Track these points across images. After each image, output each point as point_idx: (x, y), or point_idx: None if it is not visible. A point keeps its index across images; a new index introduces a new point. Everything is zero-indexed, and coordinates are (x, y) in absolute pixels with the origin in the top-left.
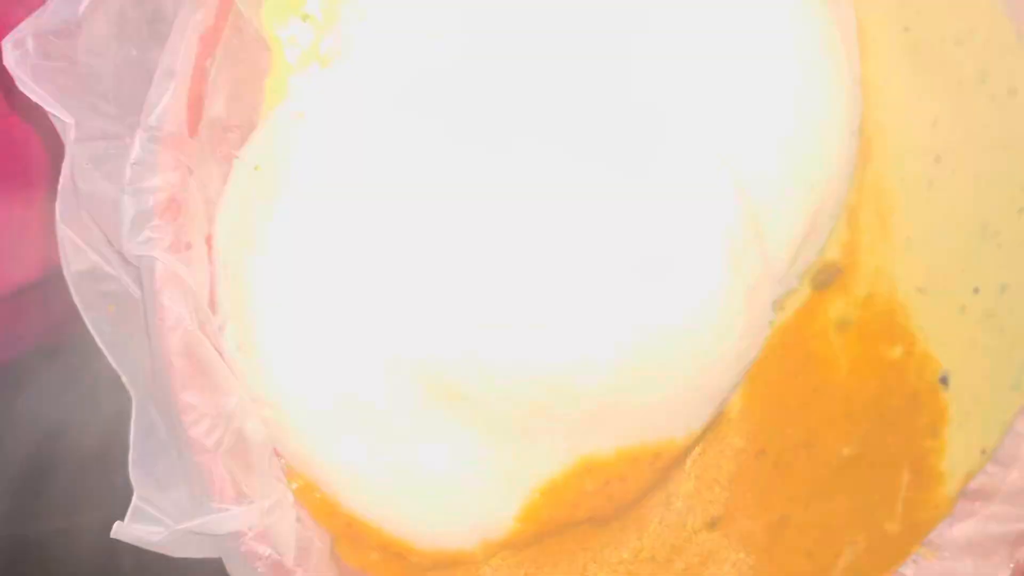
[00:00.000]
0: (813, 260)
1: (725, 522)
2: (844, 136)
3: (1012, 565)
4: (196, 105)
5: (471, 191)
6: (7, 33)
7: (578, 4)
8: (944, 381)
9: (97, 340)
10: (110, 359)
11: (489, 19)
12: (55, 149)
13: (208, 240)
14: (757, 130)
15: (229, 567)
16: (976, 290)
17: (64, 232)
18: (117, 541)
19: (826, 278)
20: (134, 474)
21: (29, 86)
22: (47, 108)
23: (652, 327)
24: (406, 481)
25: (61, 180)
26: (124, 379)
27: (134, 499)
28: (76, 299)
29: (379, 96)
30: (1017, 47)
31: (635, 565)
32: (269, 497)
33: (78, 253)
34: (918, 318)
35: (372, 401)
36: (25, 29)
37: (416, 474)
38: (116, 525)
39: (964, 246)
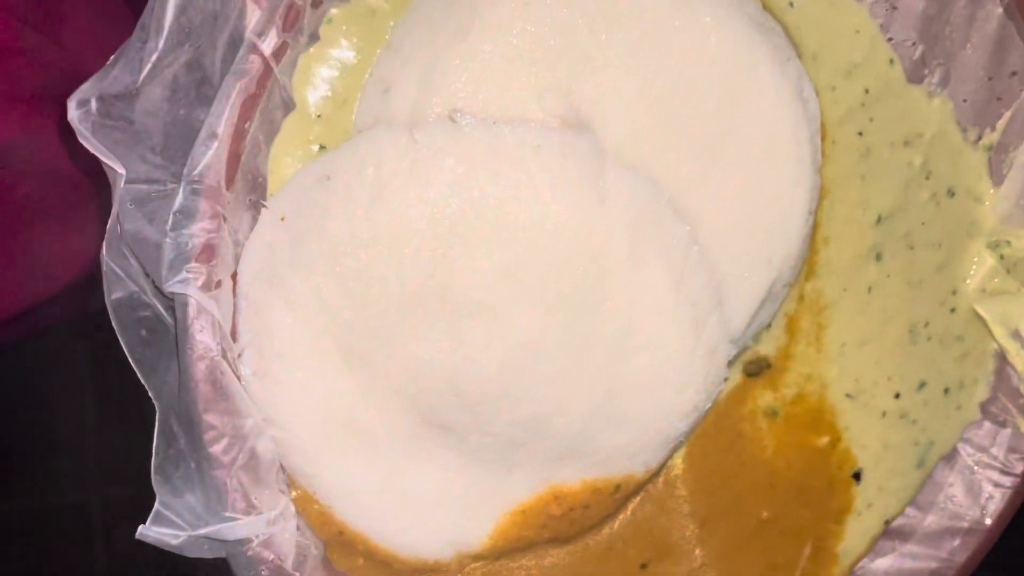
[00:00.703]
0: (752, 343)
1: (654, 564)
2: (803, 217)
3: None
4: (233, 162)
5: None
6: None
7: None
8: (857, 477)
9: (129, 358)
10: (139, 375)
11: None
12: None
13: (233, 276)
14: (728, 211)
15: (235, 569)
16: (897, 395)
17: (108, 264)
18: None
19: (756, 369)
20: (156, 480)
21: (90, 140)
22: (102, 158)
23: (621, 382)
24: (394, 498)
25: (110, 221)
26: (151, 393)
27: (156, 504)
28: (114, 322)
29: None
30: (963, 149)
31: None
32: (274, 508)
33: (118, 282)
34: (844, 419)
35: (370, 428)
36: (89, 91)
37: (403, 492)
38: (140, 528)
39: (893, 350)
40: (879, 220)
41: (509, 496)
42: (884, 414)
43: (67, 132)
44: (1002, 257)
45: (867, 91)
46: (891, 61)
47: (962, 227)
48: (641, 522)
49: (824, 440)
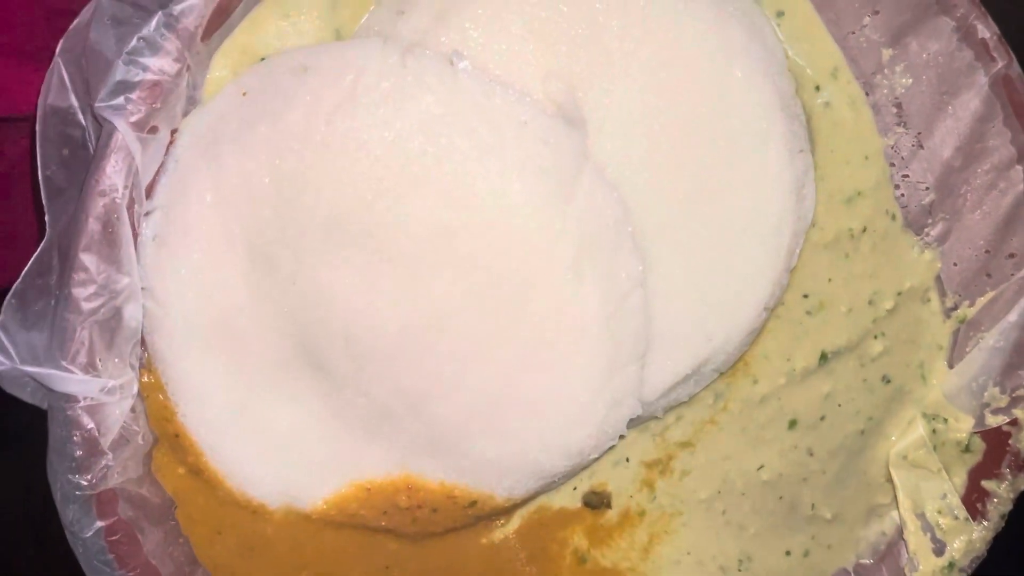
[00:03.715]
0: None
1: None
2: (757, 309)
3: None
4: (220, 15)
5: None
6: None
7: None
8: None
9: (40, 172)
10: (42, 194)
11: None
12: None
13: (173, 133)
14: (688, 270)
15: (50, 424)
16: (722, 568)
17: (59, 66)
18: None
19: (596, 502)
20: (9, 302)
21: None
22: None
23: (515, 392)
24: (242, 422)
25: (78, 19)
26: (46, 217)
27: None
28: (38, 129)
29: None
30: (933, 313)
31: None
32: (116, 379)
33: (61, 90)
34: None
35: (245, 338)
36: None
37: (254, 420)
38: None
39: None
40: (822, 358)
41: (361, 467)
42: None
43: None
44: (934, 432)
45: (864, 228)
46: (892, 214)
47: (901, 393)
48: None
49: None
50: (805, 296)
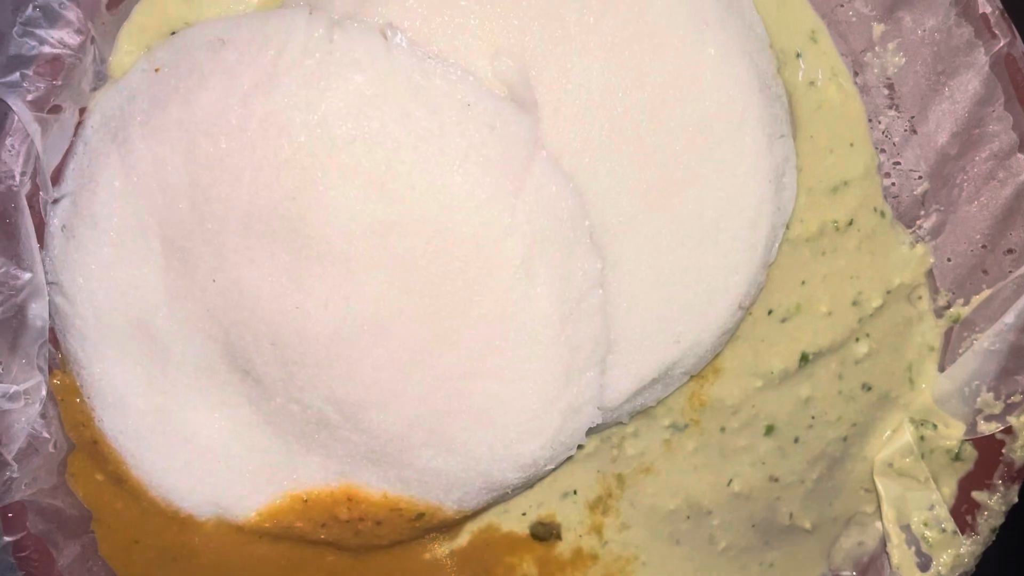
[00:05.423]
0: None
1: None
2: (731, 308)
3: None
4: None
5: None
6: None
7: None
8: None
9: None
10: None
11: None
12: None
13: (83, 112)
14: (654, 268)
15: None
16: None
17: None
18: None
19: (544, 533)
20: None
21: None
22: None
23: (460, 402)
24: (167, 429)
25: None
26: None
27: None
28: None
29: None
30: (926, 311)
31: None
32: (20, 384)
33: None
34: None
35: (165, 340)
36: None
37: (179, 427)
38: None
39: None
40: (803, 359)
41: (297, 477)
42: None
43: None
44: (922, 439)
45: (850, 221)
46: (881, 211)
47: (886, 398)
48: None
49: None
50: (783, 293)
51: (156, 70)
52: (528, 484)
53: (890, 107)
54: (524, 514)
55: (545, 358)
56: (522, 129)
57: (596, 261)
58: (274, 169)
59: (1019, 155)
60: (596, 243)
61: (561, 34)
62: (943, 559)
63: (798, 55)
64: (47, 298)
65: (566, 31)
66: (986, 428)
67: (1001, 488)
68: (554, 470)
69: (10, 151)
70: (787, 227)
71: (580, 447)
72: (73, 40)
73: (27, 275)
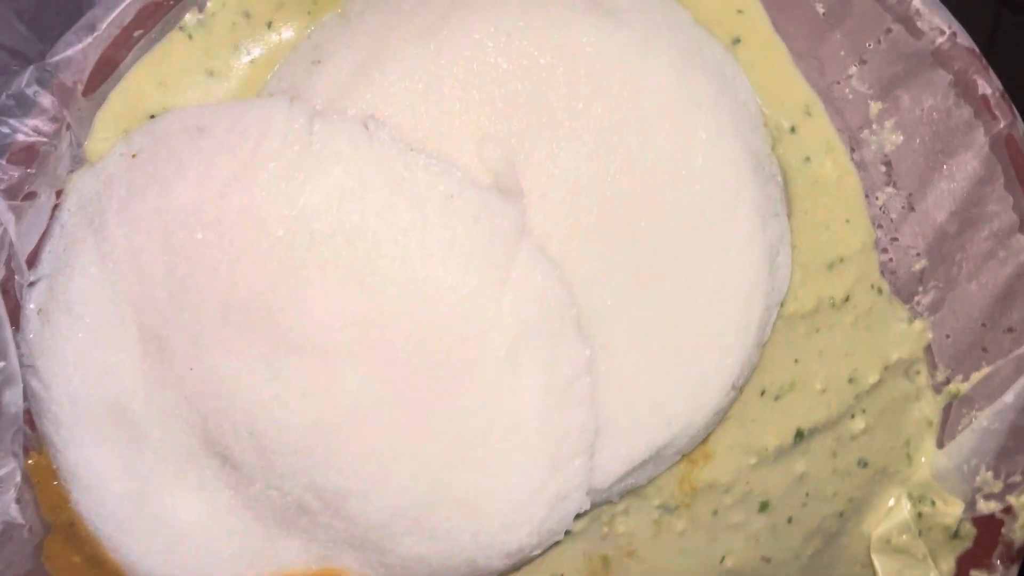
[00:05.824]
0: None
1: None
2: (723, 389)
3: None
4: (104, 69)
5: None
6: None
7: None
8: None
9: None
10: None
11: None
12: None
13: (58, 194)
14: (644, 352)
15: None
16: None
17: None
18: None
19: None
20: None
21: None
22: None
23: (444, 492)
24: (145, 514)
25: None
26: None
27: None
28: None
29: None
30: (924, 388)
31: None
32: None
33: None
34: None
35: (143, 427)
36: None
37: (157, 512)
38: None
39: None
40: (798, 436)
41: (276, 560)
42: None
43: None
44: (920, 515)
45: (847, 297)
46: (878, 288)
47: (884, 474)
48: None
49: None
50: (777, 371)
51: (133, 155)
52: (515, 568)
53: (888, 183)
54: None
55: (530, 448)
56: (507, 219)
57: (583, 348)
58: (251, 261)
59: (1019, 235)
60: (584, 329)
61: (548, 119)
62: None
63: (792, 130)
64: (21, 385)
65: (553, 116)
66: (985, 507)
67: (1000, 568)
68: (542, 554)
69: None
70: (782, 304)
71: (568, 532)
72: (48, 127)
73: (0, 364)
